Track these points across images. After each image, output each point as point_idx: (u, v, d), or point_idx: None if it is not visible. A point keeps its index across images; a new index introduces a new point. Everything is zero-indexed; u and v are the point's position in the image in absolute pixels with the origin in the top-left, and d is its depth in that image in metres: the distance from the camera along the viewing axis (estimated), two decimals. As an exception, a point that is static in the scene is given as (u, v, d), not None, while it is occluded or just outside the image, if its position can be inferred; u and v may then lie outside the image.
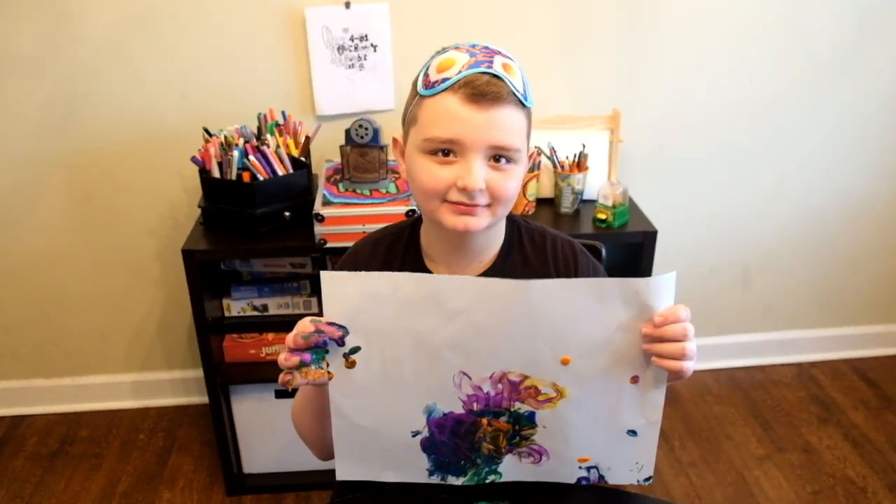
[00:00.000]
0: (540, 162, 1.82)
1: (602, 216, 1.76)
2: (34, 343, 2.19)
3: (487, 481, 0.96)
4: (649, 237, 1.76)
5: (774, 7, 1.94)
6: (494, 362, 0.86)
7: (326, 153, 1.92)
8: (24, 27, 1.79)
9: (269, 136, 1.75)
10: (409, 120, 0.96)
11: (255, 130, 1.80)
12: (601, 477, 0.94)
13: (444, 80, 0.90)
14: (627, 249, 1.85)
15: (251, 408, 1.90)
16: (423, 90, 0.92)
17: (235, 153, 1.66)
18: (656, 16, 1.92)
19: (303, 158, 1.78)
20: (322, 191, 1.74)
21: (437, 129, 0.90)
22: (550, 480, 0.95)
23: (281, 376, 0.86)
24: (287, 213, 1.72)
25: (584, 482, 0.95)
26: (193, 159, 1.71)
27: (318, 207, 1.67)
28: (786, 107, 2.06)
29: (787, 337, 2.40)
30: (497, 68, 0.90)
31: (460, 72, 0.89)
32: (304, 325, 0.85)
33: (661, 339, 0.82)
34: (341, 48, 1.85)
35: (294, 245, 1.72)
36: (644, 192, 2.03)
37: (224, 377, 1.84)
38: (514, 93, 0.91)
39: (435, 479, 0.96)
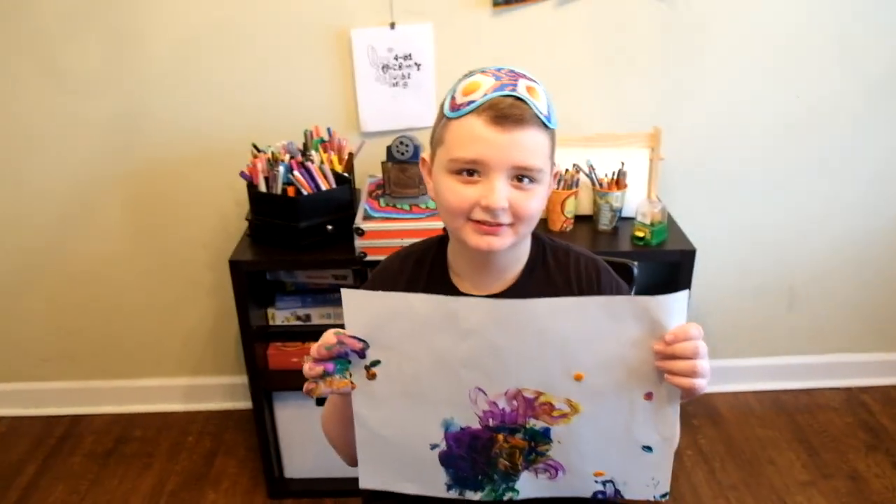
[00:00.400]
0: (578, 179, 1.83)
1: (640, 234, 1.76)
2: (93, 345, 2.30)
3: (505, 498, 0.98)
4: (687, 256, 1.75)
5: (822, 27, 1.91)
6: (509, 379, 0.88)
7: (370, 169, 1.98)
8: (90, 47, 1.90)
9: (313, 151, 1.81)
10: (435, 141, 1.00)
11: (302, 146, 1.87)
12: (617, 492, 0.95)
13: (470, 102, 0.93)
14: (666, 268, 1.85)
15: (293, 414, 1.96)
16: (450, 112, 0.96)
17: (281, 168, 1.73)
18: (699, 35, 1.91)
19: (346, 174, 1.83)
20: (363, 205, 1.79)
21: (461, 149, 0.94)
22: (567, 495, 0.97)
23: (305, 385, 0.91)
24: (329, 227, 1.78)
25: (600, 496, 0.96)
26: (242, 174, 1.78)
27: (358, 221, 1.72)
28: (834, 126, 2.02)
29: (836, 360, 2.34)
30: (521, 91, 0.93)
31: (485, 95, 0.93)
32: (328, 337, 0.89)
33: (673, 357, 0.83)
34: (386, 67, 1.90)
35: (336, 258, 1.77)
36: (685, 209, 2.02)
37: (268, 384, 1.91)
38: (537, 115, 0.93)
39: (453, 494, 0.98)
